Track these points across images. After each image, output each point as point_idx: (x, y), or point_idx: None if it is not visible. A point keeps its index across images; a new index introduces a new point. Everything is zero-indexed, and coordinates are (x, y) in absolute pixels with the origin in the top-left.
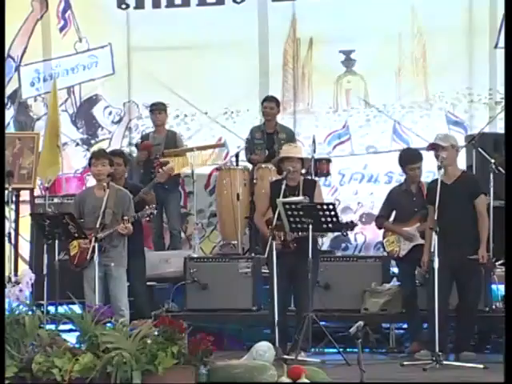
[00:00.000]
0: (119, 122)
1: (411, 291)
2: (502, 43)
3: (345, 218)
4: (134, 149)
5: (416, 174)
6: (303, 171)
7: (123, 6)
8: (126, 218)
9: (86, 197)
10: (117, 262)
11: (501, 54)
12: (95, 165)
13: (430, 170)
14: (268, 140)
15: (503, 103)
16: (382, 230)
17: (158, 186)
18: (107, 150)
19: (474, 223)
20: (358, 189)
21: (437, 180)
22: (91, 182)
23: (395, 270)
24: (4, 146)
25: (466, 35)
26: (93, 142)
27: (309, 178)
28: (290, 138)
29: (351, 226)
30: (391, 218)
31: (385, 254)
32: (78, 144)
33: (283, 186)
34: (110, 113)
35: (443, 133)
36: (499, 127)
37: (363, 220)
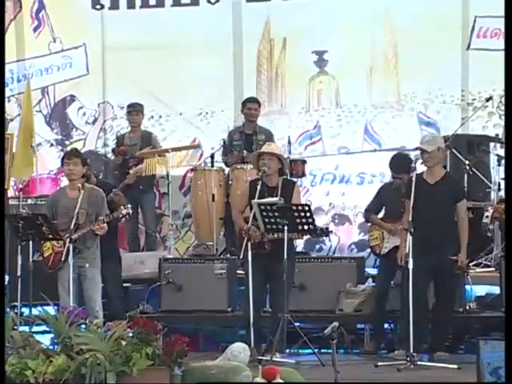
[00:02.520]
0: (94, 122)
1: (384, 290)
2: (474, 44)
3: (317, 219)
4: (108, 149)
5: (398, 183)
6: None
7: (98, 7)
8: (101, 218)
9: (58, 198)
10: (91, 263)
11: (473, 55)
12: (67, 164)
13: None
14: (246, 141)
15: (475, 104)
16: (369, 225)
17: (133, 187)
18: (82, 151)
19: (454, 225)
20: (329, 189)
21: (418, 176)
22: (65, 182)
23: (370, 270)
24: (4, 146)
25: (438, 36)
26: (67, 142)
27: (288, 179)
28: (269, 138)
29: (326, 232)
30: (380, 215)
31: (359, 254)
32: (52, 145)
33: (259, 187)
34: (84, 113)
35: (430, 134)
36: (471, 129)
37: (336, 221)
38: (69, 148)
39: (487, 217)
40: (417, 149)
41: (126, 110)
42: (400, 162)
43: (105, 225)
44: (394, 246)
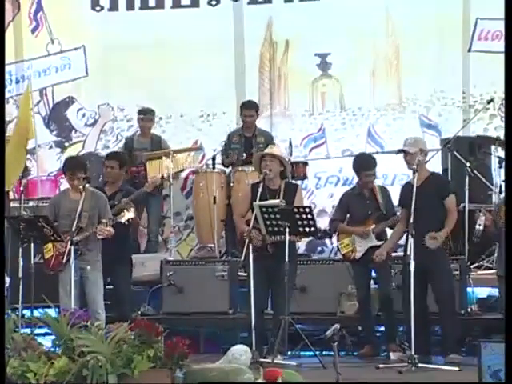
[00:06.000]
0: (93, 124)
1: (366, 294)
2: (475, 47)
3: (320, 221)
4: (109, 151)
5: (370, 181)
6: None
7: (97, 8)
8: (104, 220)
9: (61, 199)
10: (93, 266)
11: (474, 57)
12: (71, 179)
13: (404, 172)
14: (246, 143)
15: (476, 106)
16: (336, 234)
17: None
18: (81, 153)
19: (441, 225)
20: (333, 192)
21: (408, 183)
22: (65, 184)
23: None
24: (4, 146)
25: (440, 38)
26: (66, 144)
27: (290, 181)
28: (269, 141)
29: (328, 234)
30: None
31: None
32: (51, 147)
33: (260, 189)
34: (84, 115)
35: (413, 137)
36: (472, 131)
37: None
38: (68, 150)
39: (480, 225)
40: (400, 151)
41: (137, 114)
42: (368, 158)
43: (108, 228)
44: (367, 249)
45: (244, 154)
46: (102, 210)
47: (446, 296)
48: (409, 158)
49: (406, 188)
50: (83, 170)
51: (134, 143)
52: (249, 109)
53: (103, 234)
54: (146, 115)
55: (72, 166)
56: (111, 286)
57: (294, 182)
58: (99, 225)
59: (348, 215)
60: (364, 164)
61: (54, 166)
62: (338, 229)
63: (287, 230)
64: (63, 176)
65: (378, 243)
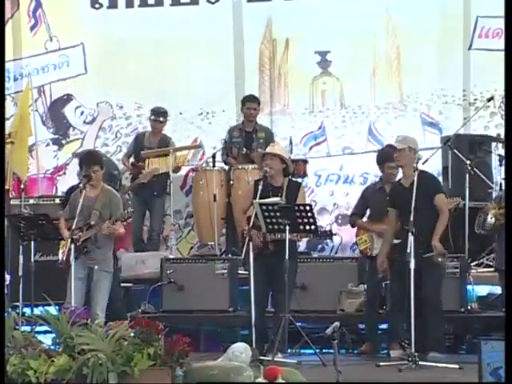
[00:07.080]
0: (92, 122)
1: (375, 292)
2: (476, 45)
3: (321, 220)
4: (109, 149)
5: (393, 173)
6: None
7: (96, 6)
8: (111, 218)
9: (77, 197)
10: (101, 265)
11: (475, 55)
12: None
13: None
14: (246, 138)
15: (477, 104)
16: (356, 228)
17: (145, 190)
18: (79, 150)
19: (433, 223)
20: (333, 190)
21: (397, 182)
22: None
23: None
24: (4, 146)
25: (440, 36)
26: (64, 142)
27: (294, 179)
28: (269, 137)
29: (330, 234)
30: (365, 217)
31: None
32: (48, 144)
33: (260, 187)
34: (82, 113)
35: (404, 135)
36: (473, 129)
37: (339, 221)
38: (66, 147)
39: (491, 218)
40: (388, 146)
41: (150, 112)
42: (392, 151)
43: (115, 226)
44: None
45: (244, 149)
46: (113, 208)
47: (430, 296)
48: (397, 155)
49: (395, 187)
50: (90, 169)
51: (145, 141)
52: (252, 102)
53: (107, 231)
54: (157, 117)
55: (84, 161)
56: None
57: (297, 180)
58: (105, 222)
59: (369, 210)
60: (388, 156)
61: (50, 163)
62: (357, 224)
63: (287, 227)
64: (60, 174)
65: (396, 241)
